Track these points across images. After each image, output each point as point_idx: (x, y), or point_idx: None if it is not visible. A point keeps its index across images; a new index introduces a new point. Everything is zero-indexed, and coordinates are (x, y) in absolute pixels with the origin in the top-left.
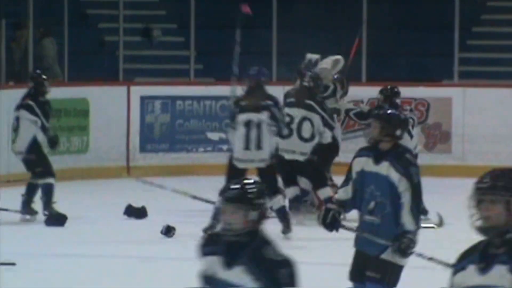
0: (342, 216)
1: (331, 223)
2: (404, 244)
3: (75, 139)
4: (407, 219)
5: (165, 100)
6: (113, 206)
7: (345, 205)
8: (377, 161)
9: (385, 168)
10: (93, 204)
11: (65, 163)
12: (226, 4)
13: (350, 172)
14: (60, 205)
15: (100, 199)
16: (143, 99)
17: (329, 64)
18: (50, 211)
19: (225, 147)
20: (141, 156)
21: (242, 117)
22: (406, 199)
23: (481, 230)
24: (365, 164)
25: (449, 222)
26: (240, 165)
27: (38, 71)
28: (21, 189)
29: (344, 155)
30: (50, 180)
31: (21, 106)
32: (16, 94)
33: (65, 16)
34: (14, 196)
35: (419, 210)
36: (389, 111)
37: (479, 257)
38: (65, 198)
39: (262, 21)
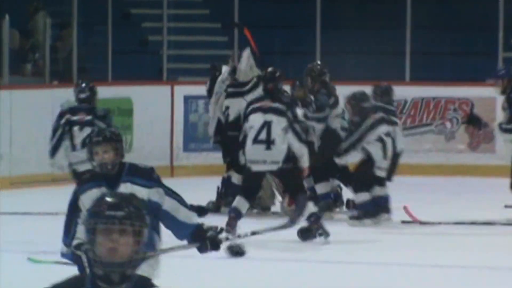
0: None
1: None
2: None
3: None
4: (187, 216)
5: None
6: None
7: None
8: (112, 186)
9: (127, 190)
10: None
11: None
12: (269, 3)
13: (75, 212)
14: None
15: None
16: (186, 98)
17: (242, 62)
18: None
19: None
20: (184, 155)
21: None
22: (170, 202)
23: (105, 264)
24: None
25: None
26: None
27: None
28: (65, 189)
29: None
30: None
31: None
32: (60, 93)
33: (108, 15)
34: (58, 195)
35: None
36: (113, 129)
37: None
38: None
39: (306, 21)
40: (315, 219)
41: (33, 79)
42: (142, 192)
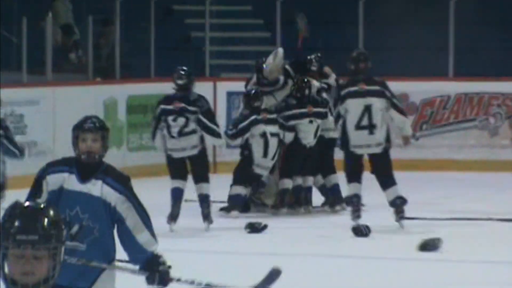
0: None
1: None
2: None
3: None
4: (147, 241)
5: None
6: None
7: None
8: (83, 179)
9: (97, 188)
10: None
11: (152, 159)
12: (312, 0)
13: (36, 192)
14: (149, 200)
15: (187, 195)
16: (229, 94)
17: (271, 58)
18: None
19: None
20: (227, 152)
21: None
22: (134, 220)
23: (19, 285)
24: (67, 181)
25: None
26: None
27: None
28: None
29: (432, 151)
30: None
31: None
32: (103, 90)
33: (151, 12)
34: None
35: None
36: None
37: None
38: (151, 194)
39: (349, 17)
40: (401, 202)
41: (76, 75)
42: (111, 196)
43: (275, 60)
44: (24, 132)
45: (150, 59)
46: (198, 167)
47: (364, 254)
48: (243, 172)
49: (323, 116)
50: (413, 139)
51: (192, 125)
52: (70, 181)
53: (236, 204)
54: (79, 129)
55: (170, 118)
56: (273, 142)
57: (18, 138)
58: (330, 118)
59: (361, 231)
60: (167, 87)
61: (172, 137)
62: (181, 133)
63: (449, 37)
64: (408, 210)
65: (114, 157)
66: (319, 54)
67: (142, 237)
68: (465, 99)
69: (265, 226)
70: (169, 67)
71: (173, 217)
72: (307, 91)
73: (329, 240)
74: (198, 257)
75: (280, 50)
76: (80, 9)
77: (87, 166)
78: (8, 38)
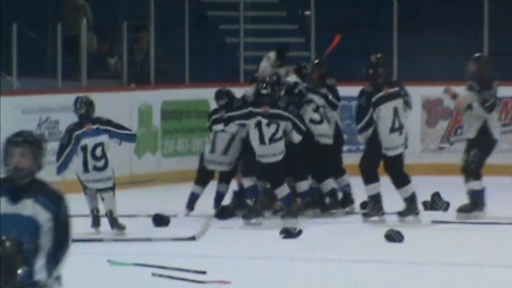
0: None
1: None
2: None
3: (196, 141)
4: (41, 267)
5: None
6: None
7: None
8: (15, 199)
9: (28, 207)
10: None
11: (186, 164)
12: (345, 5)
13: None
14: (182, 206)
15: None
16: None
17: (265, 62)
18: None
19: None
20: None
21: None
22: (47, 242)
23: None
24: None
25: None
26: None
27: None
28: (143, 191)
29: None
30: None
31: None
32: (138, 96)
33: (185, 18)
34: (134, 197)
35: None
36: (33, 134)
37: None
38: (185, 200)
39: (383, 22)
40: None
41: (110, 81)
42: (42, 214)
43: (269, 61)
44: (59, 139)
45: (184, 65)
46: (279, 172)
47: (397, 259)
48: (199, 171)
49: (281, 118)
50: (447, 144)
51: (280, 132)
52: (1, 205)
53: (191, 202)
54: (8, 143)
55: (264, 122)
56: (221, 138)
57: (53, 145)
58: (323, 125)
59: (393, 239)
60: (201, 93)
61: (263, 143)
62: (272, 139)
63: (484, 41)
64: (441, 214)
65: (149, 163)
66: (316, 61)
67: (40, 261)
68: (500, 103)
69: (300, 232)
70: (203, 72)
71: (253, 211)
72: (264, 91)
73: (361, 244)
74: (230, 262)
75: (272, 55)
76: (114, 15)
77: (18, 186)
78: (43, 44)
